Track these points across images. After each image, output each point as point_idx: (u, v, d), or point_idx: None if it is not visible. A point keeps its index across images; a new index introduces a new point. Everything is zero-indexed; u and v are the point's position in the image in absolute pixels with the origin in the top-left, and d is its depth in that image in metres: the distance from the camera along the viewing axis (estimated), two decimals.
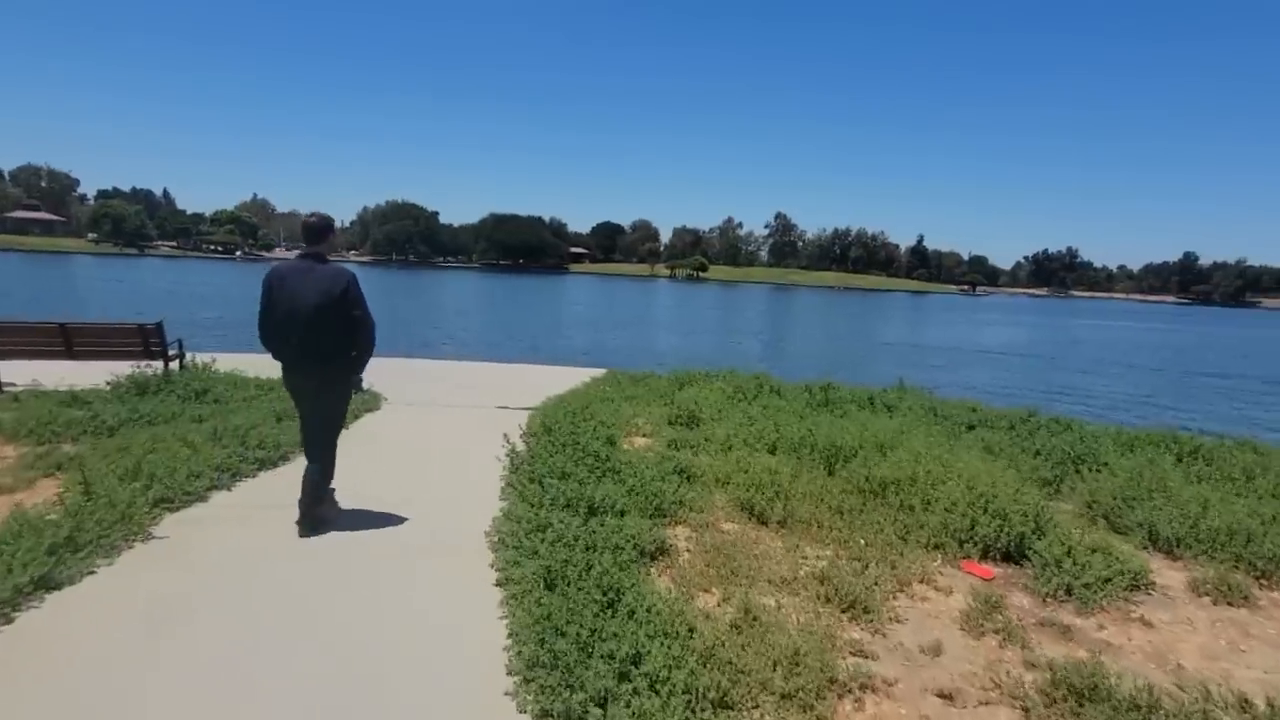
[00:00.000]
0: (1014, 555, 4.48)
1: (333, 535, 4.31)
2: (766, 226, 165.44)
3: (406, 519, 4.61)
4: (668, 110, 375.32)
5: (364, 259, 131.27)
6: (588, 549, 3.71)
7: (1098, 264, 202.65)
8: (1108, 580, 4.01)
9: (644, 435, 7.03)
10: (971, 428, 7.83)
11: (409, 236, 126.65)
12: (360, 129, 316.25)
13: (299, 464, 5.47)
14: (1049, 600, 3.94)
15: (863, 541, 4.46)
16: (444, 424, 7.32)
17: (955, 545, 4.48)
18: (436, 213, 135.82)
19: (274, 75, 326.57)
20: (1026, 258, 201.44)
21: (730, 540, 4.40)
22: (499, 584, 3.64)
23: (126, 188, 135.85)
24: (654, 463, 5.56)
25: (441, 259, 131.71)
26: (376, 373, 6.71)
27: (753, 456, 5.91)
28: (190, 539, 4.13)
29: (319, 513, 4.36)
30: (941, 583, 4.10)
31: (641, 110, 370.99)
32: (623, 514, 4.34)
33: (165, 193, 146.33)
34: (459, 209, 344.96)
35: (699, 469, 5.65)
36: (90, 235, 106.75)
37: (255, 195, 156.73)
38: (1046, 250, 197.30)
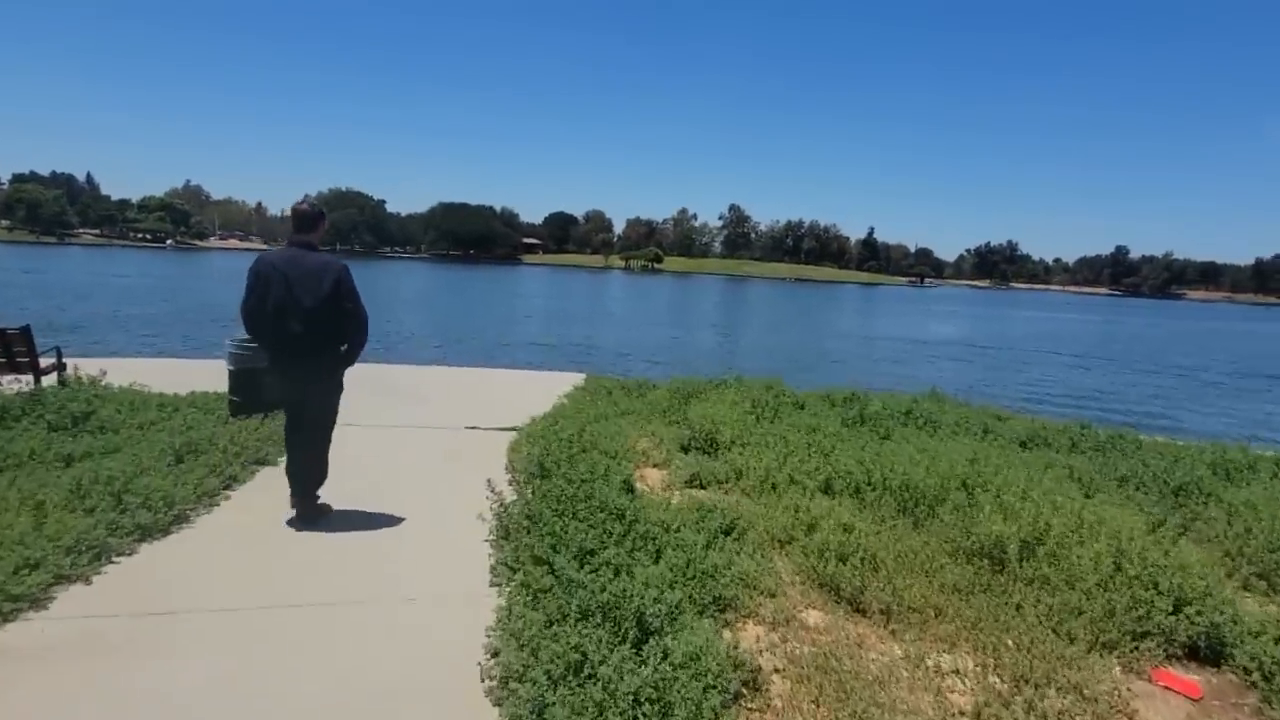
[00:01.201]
0: (1204, 652, 3.29)
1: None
2: (720, 218, 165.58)
3: (351, 635, 3.13)
4: (621, 100, 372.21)
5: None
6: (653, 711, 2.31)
7: (1035, 257, 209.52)
8: None
9: (655, 465, 5.66)
10: (1028, 445, 6.72)
11: (354, 226, 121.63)
12: (302, 114, 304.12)
13: (199, 528, 3.96)
14: None
15: (1012, 644, 3.18)
16: (398, 455, 5.77)
17: (1129, 642, 3.26)
18: (383, 201, 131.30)
19: (208, 55, 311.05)
20: (969, 250, 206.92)
21: (827, 648, 3.07)
22: None
23: (45, 171, 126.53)
24: (689, 516, 4.19)
25: (389, 249, 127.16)
26: None
27: (807, 500, 4.60)
28: None
29: (311, 513, 4.24)
30: (1144, 711, 2.86)
31: (595, 99, 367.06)
32: (676, 614, 2.95)
33: (89, 177, 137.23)
34: (407, 198, 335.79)
35: (743, 518, 4.31)
36: (2, 222, 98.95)
37: (188, 181, 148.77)
38: (989, 243, 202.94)
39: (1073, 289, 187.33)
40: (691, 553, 3.57)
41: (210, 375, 6.75)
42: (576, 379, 9.71)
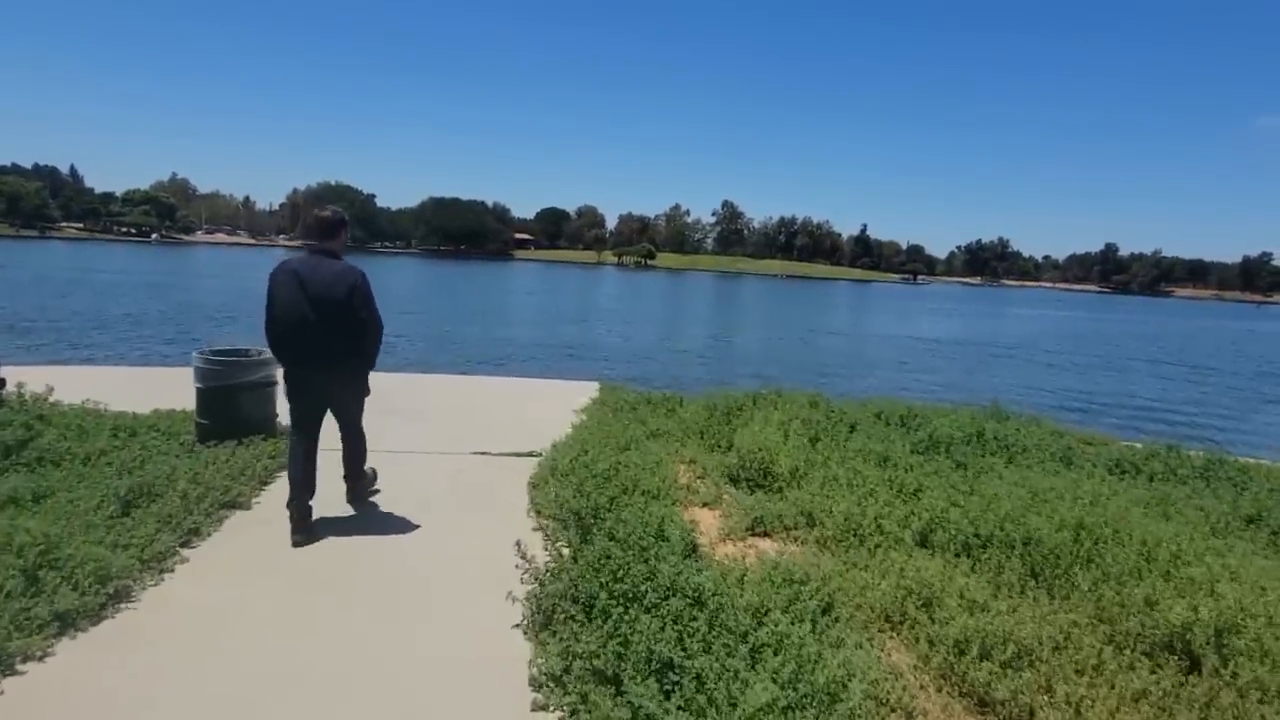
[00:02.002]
0: None
1: None
2: (714, 214, 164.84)
3: None
4: (614, 95, 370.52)
5: (294, 244, 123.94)
6: None
7: (1026, 254, 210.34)
8: None
9: (705, 505, 4.75)
10: (1120, 472, 5.87)
11: None
12: (292, 108, 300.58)
13: (143, 610, 3.07)
14: None
15: None
16: (396, 493, 4.78)
17: None
18: (373, 195, 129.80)
19: (197, 47, 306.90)
20: (960, 247, 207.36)
21: None
22: None
23: (27, 163, 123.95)
24: (775, 592, 3.28)
25: (379, 244, 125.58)
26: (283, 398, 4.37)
27: (904, 557, 3.72)
28: None
29: (362, 493, 4.46)
30: None
31: (588, 94, 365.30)
32: None
33: (73, 170, 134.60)
34: (398, 192, 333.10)
35: (836, 586, 3.42)
36: None
37: (175, 175, 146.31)
38: (979, 240, 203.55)
39: (1063, 286, 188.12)
40: (797, 654, 2.67)
41: (182, 387, 5.81)
42: (589, 389, 8.80)
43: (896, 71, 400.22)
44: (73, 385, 6.34)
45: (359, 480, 4.47)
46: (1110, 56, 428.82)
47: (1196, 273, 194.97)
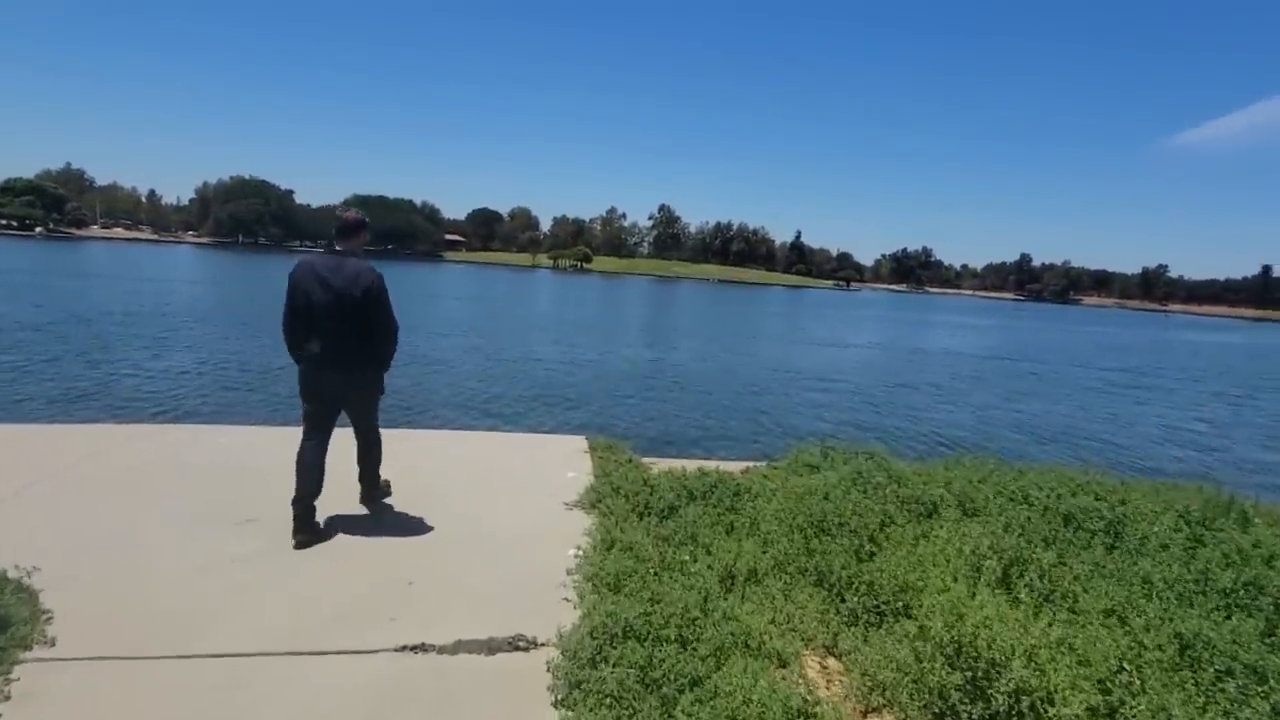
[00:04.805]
0: None
1: None
2: (650, 218, 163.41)
3: None
4: (548, 96, 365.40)
5: (203, 240, 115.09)
6: None
7: (947, 262, 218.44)
8: None
9: None
10: None
11: (258, 217, 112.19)
12: (201, 97, 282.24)
13: None
14: None
15: None
16: None
17: None
18: (291, 191, 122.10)
19: (93, 31, 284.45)
20: (886, 255, 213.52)
21: None
22: None
23: None
24: None
25: (298, 242, 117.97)
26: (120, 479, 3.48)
27: None
28: None
29: (377, 496, 4.42)
30: None
31: (520, 94, 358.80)
32: None
33: None
34: (320, 190, 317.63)
35: None
36: None
37: (69, 164, 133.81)
38: (905, 249, 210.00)
39: (981, 294, 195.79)
40: None
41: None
42: (571, 447, 6.20)
43: (829, 82, 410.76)
44: None
45: (374, 487, 4.42)
46: (1030, 77, 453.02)
47: (1101, 282, 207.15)
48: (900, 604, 3.19)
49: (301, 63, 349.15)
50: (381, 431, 4.44)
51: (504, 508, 4.56)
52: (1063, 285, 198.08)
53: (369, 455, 4.32)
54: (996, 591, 3.24)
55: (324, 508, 4.04)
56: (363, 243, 4.14)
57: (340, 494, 4.38)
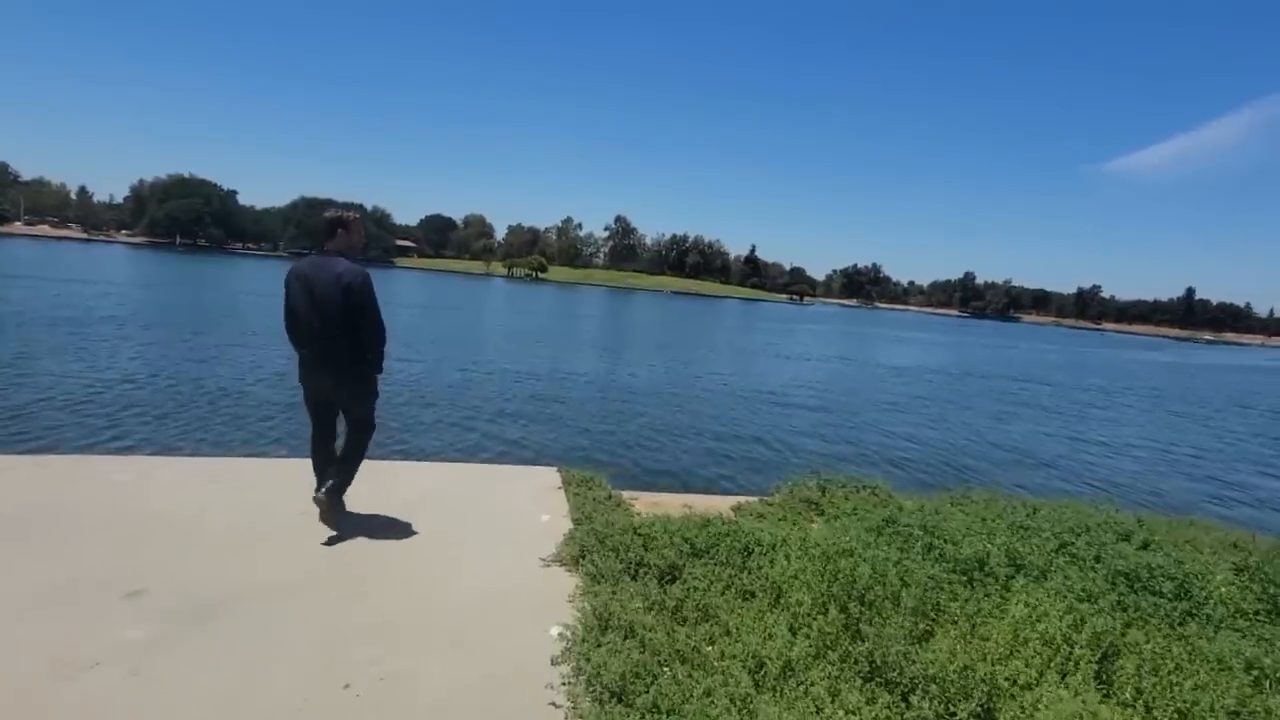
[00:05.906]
0: None
1: None
2: (606, 229, 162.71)
3: None
4: (503, 103, 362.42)
5: (137, 240, 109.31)
6: None
7: (894, 279, 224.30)
8: None
9: None
10: None
11: (198, 217, 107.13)
12: (143, 93, 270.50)
13: None
14: None
15: None
16: None
17: None
18: (234, 192, 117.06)
19: (25, 26, 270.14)
20: (837, 270, 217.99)
21: None
22: None
23: None
24: None
25: (240, 245, 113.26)
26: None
27: None
28: None
29: (334, 509, 4.11)
30: None
31: (475, 101, 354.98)
32: None
33: None
34: (265, 192, 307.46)
35: None
36: None
37: None
38: (856, 265, 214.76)
39: (928, 310, 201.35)
40: None
41: None
42: (543, 480, 5.43)
43: (785, 99, 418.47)
44: None
45: (343, 476, 4.16)
46: (978, 98, 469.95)
47: (1040, 301, 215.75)
48: (980, 708, 2.52)
49: (252, 67, 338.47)
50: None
51: (468, 566, 3.76)
52: (1004, 303, 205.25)
53: (351, 443, 4.17)
54: (1097, 687, 2.61)
55: (253, 570, 3.19)
56: (352, 243, 4.15)
57: (274, 551, 3.51)
